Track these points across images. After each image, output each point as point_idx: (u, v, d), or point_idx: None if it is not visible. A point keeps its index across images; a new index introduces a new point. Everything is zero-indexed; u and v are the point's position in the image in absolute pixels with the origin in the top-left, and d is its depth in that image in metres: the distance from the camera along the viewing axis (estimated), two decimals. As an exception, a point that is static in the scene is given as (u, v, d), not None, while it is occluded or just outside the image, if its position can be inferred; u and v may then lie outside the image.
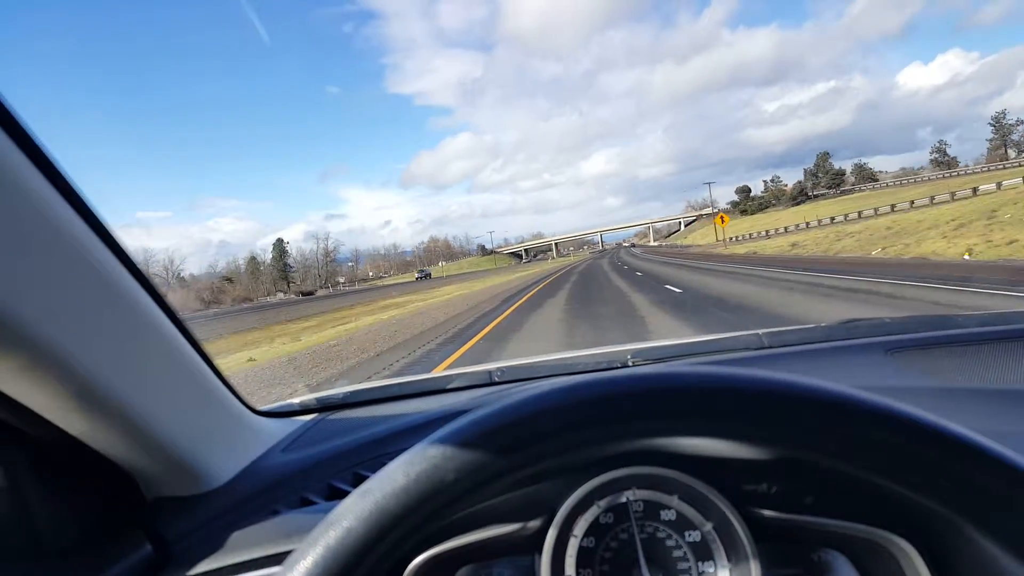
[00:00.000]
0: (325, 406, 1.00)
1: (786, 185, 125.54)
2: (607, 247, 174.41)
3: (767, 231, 60.65)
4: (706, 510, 0.49)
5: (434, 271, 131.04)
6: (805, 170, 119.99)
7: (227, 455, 0.69)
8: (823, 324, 1.13)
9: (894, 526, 0.45)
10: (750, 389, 0.37)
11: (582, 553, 0.51)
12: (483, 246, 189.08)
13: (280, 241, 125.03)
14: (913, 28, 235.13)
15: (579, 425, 0.38)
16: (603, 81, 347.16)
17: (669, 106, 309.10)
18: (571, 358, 1.11)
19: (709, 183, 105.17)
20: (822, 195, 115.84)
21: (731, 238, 57.54)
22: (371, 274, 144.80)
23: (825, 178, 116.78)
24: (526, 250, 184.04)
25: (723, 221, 43.02)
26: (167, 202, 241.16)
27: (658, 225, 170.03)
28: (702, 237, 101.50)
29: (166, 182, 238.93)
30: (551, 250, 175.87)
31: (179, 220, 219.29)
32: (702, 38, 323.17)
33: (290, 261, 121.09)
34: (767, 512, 0.49)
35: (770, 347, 1.03)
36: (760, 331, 1.08)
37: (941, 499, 0.35)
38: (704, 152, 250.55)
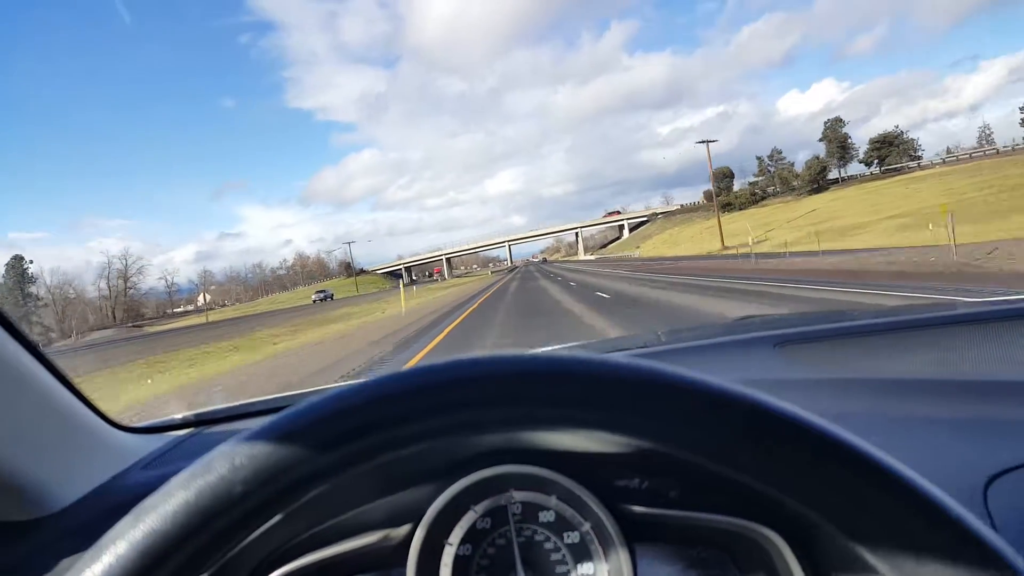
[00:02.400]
0: (203, 420, 0.93)
1: (790, 165, 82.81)
2: (517, 263, 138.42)
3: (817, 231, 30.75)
4: (583, 510, 0.48)
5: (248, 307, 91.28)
6: (827, 142, 78.30)
7: (76, 474, 0.63)
8: (719, 323, 1.17)
9: (759, 518, 0.44)
10: (591, 372, 0.34)
11: (458, 562, 0.48)
12: (347, 263, 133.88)
13: (18, 260, 79.91)
14: (793, 58, 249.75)
15: (382, 422, 0.33)
16: (508, 100, 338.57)
17: (571, 127, 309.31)
18: (457, 362, 0.96)
19: (707, 141, 58.64)
20: (855, 177, 73.32)
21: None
22: (223, 302, 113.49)
23: (841, 152, 74.87)
24: (408, 268, 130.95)
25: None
26: (43, 222, 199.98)
27: (588, 231, 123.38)
28: (671, 244, 74.48)
29: (42, 201, 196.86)
30: (447, 267, 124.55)
31: (57, 241, 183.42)
32: (602, 61, 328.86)
33: (41, 288, 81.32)
34: (637, 508, 0.48)
35: (665, 344, 1.03)
36: (659, 331, 1.11)
37: (794, 492, 0.33)
38: (603, 172, 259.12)
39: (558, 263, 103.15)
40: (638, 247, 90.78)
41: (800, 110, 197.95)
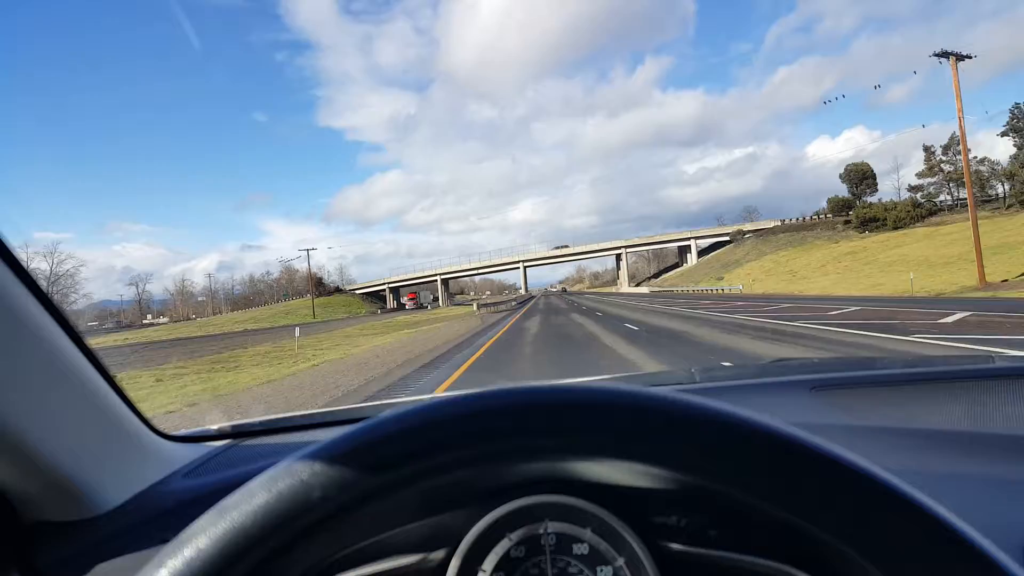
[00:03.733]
0: (240, 432, 0.95)
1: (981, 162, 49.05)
2: (534, 292, 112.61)
3: None
4: (618, 544, 0.48)
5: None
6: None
7: (120, 478, 0.65)
8: (755, 364, 1.22)
9: (797, 561, 0.44)
10: (634, 405, 0.36)
11: None
12: (319, 280, 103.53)
13: None
14: (826, 104, 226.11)
15: (453, 443, 0.36)
16: (536, 128, 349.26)
17: (597, 159, 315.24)
18: (502, 391, 1.00)
19: (956, 56, 24.35)
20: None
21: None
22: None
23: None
24: (394, 289, 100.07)
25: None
26: (70, 223, 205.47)
27: (634, 250, 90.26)
28: (787, 275, 49.09)
29: (70, 201, 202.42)
30: (443, 290, 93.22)
31: (81, 243, 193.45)
32: (634, 95, 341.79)
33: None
34: (675, 546, 0.48)
35: (701, 382, 1.04)
36: (693, 368, 1.12)
37: (839, 533, 0.34)
38: (625, 206, 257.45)
39: (588, 295, 70.68)
40: (721, 278, 57.44)
41: (828, 155, 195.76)
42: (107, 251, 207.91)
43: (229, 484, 0.68)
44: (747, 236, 72.30)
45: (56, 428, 0.55)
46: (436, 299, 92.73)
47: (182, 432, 0.88)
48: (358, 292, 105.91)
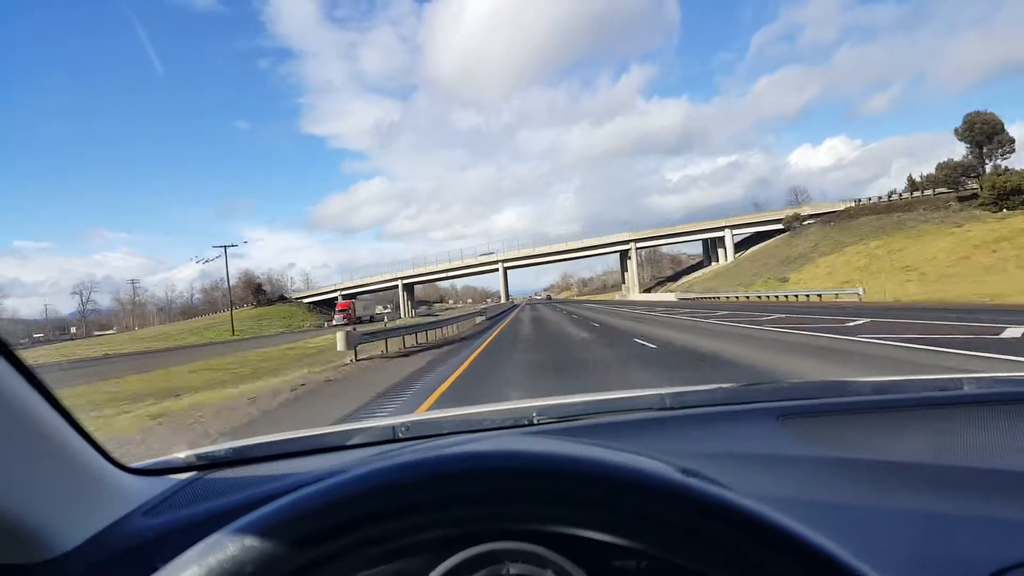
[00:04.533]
0: (208, 463, 0.91)
1: None
2: (516, 301, 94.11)
3: None
4: None
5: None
6: None
7: (76, 517, 0.61)
8: (725, 386, 1.26)
9: None
10: (564, 471, 0.36)
11: None
12: (258, 286, 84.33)
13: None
14: (808, 112, 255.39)
15: (386, 513, 0.36)
16: (521, 136, 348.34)
17: (581, 167, 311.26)
18: (476, 414, 1.14)
19: None
20: None
21: None
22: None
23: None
24: (349, 296, 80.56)
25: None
26: (49, 231, 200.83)
27: (647, 245, 71.39)
28: (901, 270, 34.27)
29: (48, 209, 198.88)
30: (407, 298, 73.86)
31: (61, 251, 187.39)
32: (618, 103, 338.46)
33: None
34: None
35: (671, 408, 1.06)
36: (664, 391, 1.15)
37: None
38: (608, 215, 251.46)
39: (589, 304, 52.93)
40: (785, 279, 38.75)
41: (811, 164, 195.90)
42: (87, 259, 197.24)
43: (193, 521, 0.65)
44: (808, 222, 53.72)
45: (2, 464, 0.52)
46: (391, 310, 73.11)
47: (144, 464, 0.85)
48: (305, 300, 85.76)
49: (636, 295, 62.04)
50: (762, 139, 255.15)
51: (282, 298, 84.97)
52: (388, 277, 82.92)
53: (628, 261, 69.52)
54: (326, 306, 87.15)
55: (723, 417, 1.00)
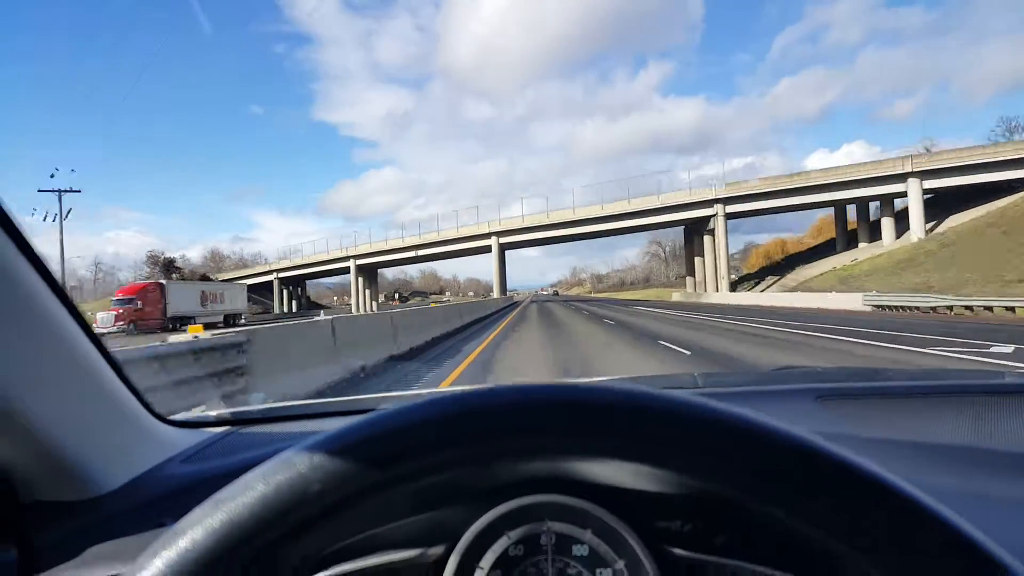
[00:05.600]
0: (240, 420, 0.95)
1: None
2: (517, 297, 72.29)
3: None
4: (619, 547, 0.47)
5: None
6: None
7: (119, 461, 0.66)
8: (758, 371, 1.32)
9: (804, 571, 0.43)
10: (651, 406, 0.35)
11: None
12: (172, 261, 58.44)
13: None
14: (828, 115, 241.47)
15: (454, 441, 0.36)
16: (534, 129, 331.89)
17: (592, 163, 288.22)
18: (505, 388, 1.11)
19: None
20: None
21: None
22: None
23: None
24: (289, 280, 54.36)
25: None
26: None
27: (748, 207, 41.07)
28: None
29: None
30: (360, 289, 47.14)
31: (71, 229, 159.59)
32: (634, 99, 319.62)
33: None
34: (678, 551, 0.48)
35: (704, 387, 1.05)
36: (696, 372, 1.15)
37: (857, 546, 0.33)
38: None
39: (647, 310, 24.22)
40: None
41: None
42: (100, 237, 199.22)
43: (227, 471, 0.67)
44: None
45: (60, 408, 0.56)
46: (311, 306, 46.63)
47: (181, 417, 0.89)
48: (239, 282, 59.99)
49: (723, 295, 34.56)
50: (779, 141, 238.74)
51: (204, 277, 59.49)
52: (338, 255, 56.97)
53: (705, 238, 42.07)
54: (264, 289, 62.54)
55: (758, 396, 0.97)
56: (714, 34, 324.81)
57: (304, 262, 60.82)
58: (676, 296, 47.91)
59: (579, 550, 0.48)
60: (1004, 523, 0.55)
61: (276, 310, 59.59)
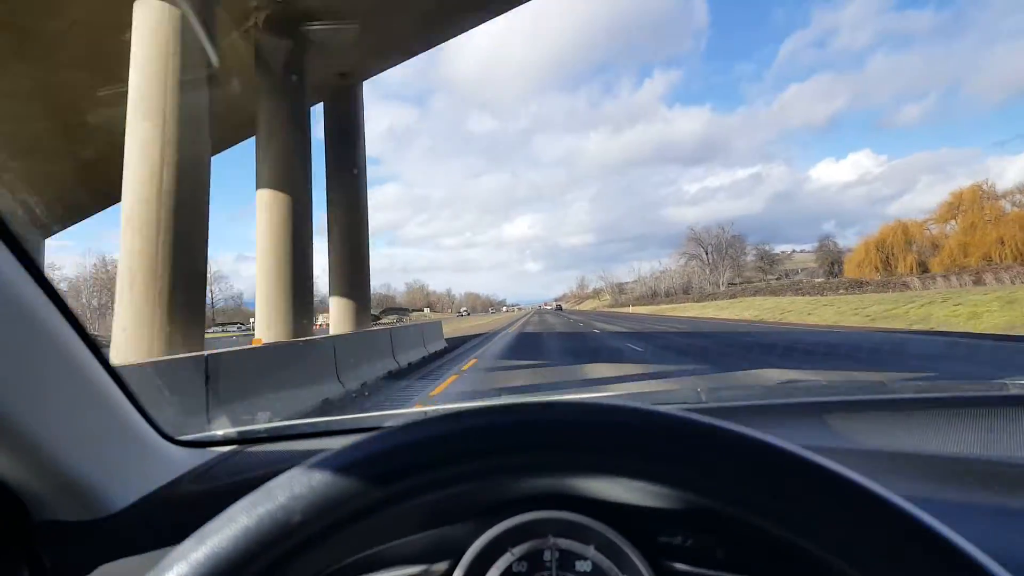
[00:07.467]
0: (246, 439, 0.95)
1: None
2: (514, 313, 75.16)
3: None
4: (622, 562, 0.47)
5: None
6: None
7: (128, 480, 0.66)
8: (760, 385, 1.35)
9: None
10: (654, 422, 0.35)
11: None
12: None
13: None
14: (836, 123, 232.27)
15: (459, 456, 0.36)
16: (537, 142, 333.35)
17: (598, 175, 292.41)
18: (508, 405, 1.12)
19: None
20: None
21: None
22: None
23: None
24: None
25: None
26: (67, 233, 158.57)
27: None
28: None
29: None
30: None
31: (78, 250, 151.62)
32: (639, 110, 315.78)
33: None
34: (680, 566, 0.47)
35: (708, 402, 1.05)
36: (699, 387, 1.17)
37: (855, 562, 0.33)
38: (622, 225, 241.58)
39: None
40: None
41: (833, 179, 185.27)
42: (101, 258, 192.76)
43: (234, 490, 0.70)
44: None
45: (68, 428, 0.56)
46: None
47: (189, 436, 0.90)
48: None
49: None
50: (786, 151, 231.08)
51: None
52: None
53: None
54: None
55: (763, 410, 0.97)
56: (720, 41, 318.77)
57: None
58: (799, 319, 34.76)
59: (582, 566, 0.48)
60: (1013, 537, 0.54)
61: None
